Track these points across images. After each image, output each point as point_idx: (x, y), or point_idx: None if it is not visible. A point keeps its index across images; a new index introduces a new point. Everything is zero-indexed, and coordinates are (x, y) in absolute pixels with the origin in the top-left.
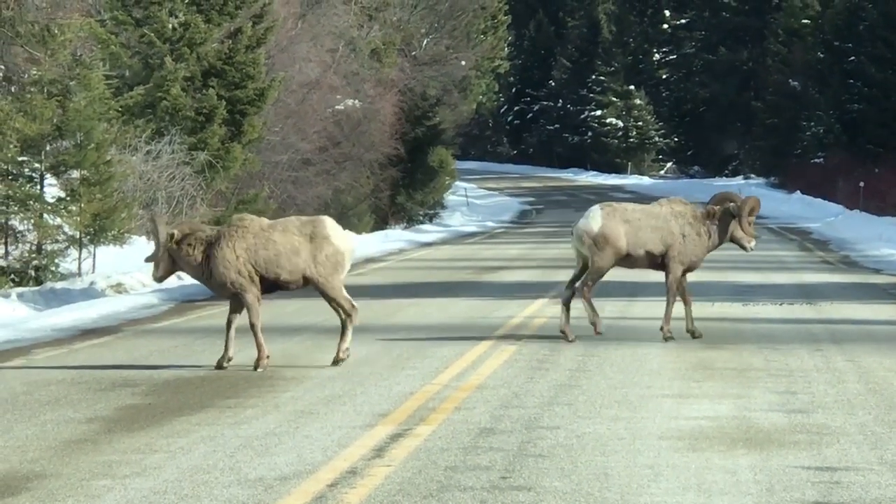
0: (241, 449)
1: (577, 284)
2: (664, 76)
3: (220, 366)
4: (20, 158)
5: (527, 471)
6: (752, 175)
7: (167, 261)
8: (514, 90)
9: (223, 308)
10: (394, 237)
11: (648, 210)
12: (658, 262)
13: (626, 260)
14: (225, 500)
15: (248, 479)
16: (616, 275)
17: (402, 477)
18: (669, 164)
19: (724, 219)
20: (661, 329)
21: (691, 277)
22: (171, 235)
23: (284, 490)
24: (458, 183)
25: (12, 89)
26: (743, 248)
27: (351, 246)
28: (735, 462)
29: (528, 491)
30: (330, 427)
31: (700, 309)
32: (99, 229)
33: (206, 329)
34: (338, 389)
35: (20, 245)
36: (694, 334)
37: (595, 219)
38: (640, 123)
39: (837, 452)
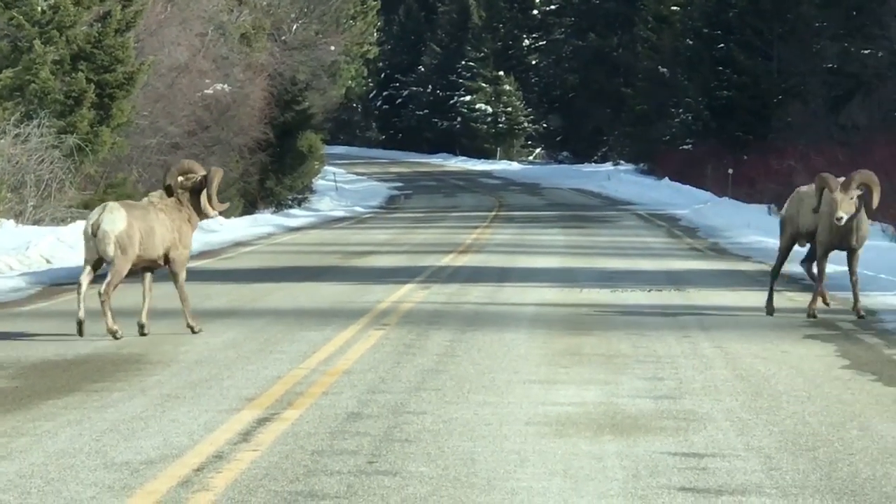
0: (107, 433)
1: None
2: (534, 62)
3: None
4: None
5: (393, 455)
6: (622, 161)
7: None
8: (383, 75)
9: (91, 292)
10: (262, 221)
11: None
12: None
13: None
14: (91, 484)
15: (114, 463)
16: (484, 260)
17: (268, 461)
18: (538, 150)
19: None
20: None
21: (556, 263)
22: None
23: (150, 474)
24: (327, 168)
25: None
26: None
27: (84, 229)
28: (601, 448)
29: (394, 476)
30: (196, 411)
31: (568, 295)
32: None
33: (74, 312)
34: (205, 373)
35: None
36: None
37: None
38: (510, 109)
39: (704, 438)
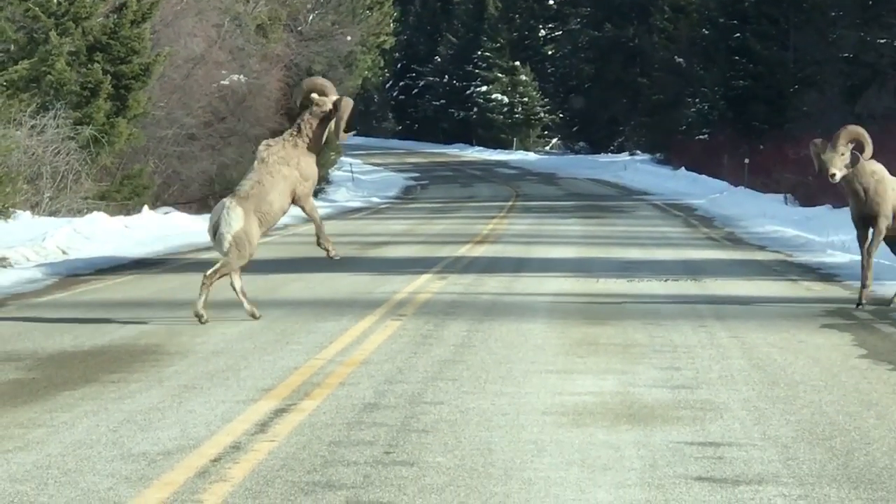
0: (124, 423)
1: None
2: (550, 52)
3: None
4: None
5: (410, 446)
6: (638, 151)
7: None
8: (399, 66)
9: (108, 282)
10: None
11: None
12: None
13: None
14: (108, 475)
15: (131, 454)
16: (501, 251)
17: (285, 452)
18: (555, 140)
19: None
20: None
21: (573, 253)
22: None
23: (168, 465)
24: (343, 158)
25: None
26: None
27: (208, 229)
28: (619, 437)
29: (411, 466)
30: (213, 402)
31: (584, 285)
32: None
33: (90, 303)
34: (221, 364)
35: None
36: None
37: None
38: (526, 99)
39: (721, 428)
